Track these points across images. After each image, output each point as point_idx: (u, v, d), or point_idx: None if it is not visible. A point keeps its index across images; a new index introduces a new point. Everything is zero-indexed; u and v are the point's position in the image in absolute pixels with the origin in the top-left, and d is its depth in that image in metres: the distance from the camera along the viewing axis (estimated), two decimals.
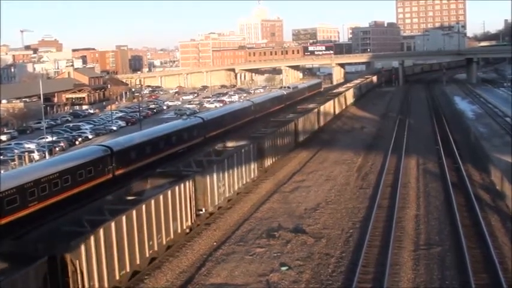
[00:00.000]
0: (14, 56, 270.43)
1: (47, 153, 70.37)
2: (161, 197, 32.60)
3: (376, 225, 37.23)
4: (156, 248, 31.81)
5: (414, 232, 36.04)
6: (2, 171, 56.65)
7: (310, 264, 31.70)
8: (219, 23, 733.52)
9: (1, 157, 68.85)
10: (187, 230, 36.54)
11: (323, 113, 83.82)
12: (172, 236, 33.90)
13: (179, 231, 34.91)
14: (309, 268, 31.11)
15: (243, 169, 46.70)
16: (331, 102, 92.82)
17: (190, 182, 36.63)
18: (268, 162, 54.84)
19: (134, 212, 29.40)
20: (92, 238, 25.96)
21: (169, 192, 33.63)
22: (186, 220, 35.91)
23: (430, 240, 34.43)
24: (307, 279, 29.62)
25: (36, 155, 71.13)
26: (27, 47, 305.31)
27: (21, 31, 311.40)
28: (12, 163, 64.74)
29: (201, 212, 38.46)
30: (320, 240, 35.54)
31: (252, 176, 49.48)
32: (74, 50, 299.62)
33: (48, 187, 43.20)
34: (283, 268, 31.15)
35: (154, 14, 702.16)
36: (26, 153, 70.64)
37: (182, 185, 35.42)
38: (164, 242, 33.00)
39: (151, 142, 58.74)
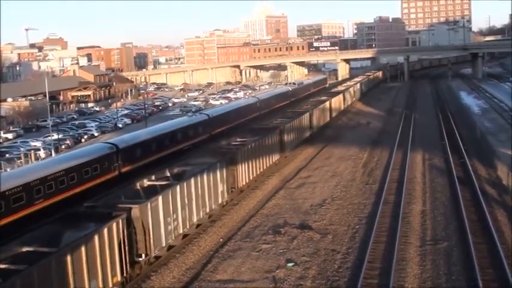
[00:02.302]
0: (19, 54, 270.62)
1: (52, 151, 70.45)
2: (68, 257, 23.79)
3: (382, 221, 37.20)
4: None
5: (420, 228, 36.00)
6: (8, 169, 56.83)
7: (316, 260, 31.70)
8: (224, 20, 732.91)
9: (7, 155, 69.03)
10: None
11: (316, 119, 75.16)
12: None
13: None
14: (315, 264, 31.11)
15: (207, 194, 37.94)
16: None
17: (121, 222, 27.69)
18: (243, 180, 46.22)
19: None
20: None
21: (82, 248, 24.72)
22: (114, 275, 26.89)
23: (436, 236, 34.39)
24: (314, 276, 29.63)
25: (42, 153, 71.26)
26: (32, 45, 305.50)
27: (26, 29, 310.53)
28: (18, 161, 64.88)
29: (140, 259, 29.75)
30: (326, 236, 35.54)
31: (221, 201, 40.84)
32: (79, 48, 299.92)
33: (54, 185, 43.25)
34: (290, 264, 31.16)
35: (159, 11, 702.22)
36: (32, 151, 70.81)
37: (106, 230, 26.50)
38: None
39: (157, 139, 58.74)
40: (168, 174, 38.60)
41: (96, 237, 25.67)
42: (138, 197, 33.35)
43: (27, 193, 40.38)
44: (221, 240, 36.26)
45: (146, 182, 36.36)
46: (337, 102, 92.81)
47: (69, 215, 29.82)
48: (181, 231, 34.03)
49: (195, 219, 36.07)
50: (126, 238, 27.94)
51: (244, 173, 46.32)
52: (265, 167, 52.07)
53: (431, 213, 38.74)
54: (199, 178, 36.96)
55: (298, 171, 54.83)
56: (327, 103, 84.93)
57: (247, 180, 47.06)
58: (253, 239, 35.92)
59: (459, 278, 28.17)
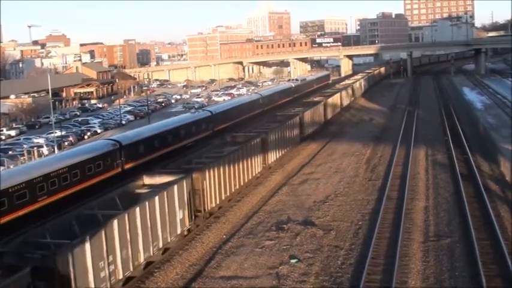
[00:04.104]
0: (22, 51, 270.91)
1: (55, 148, 70.57)
2: None
3: (385, 217, 37.19)
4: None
5: (423, 224, 35.99)
6: (11, 166, 56.91)
7: (319, 256, 31.71)
8: (227, 16, 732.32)
9: (10, 152, 69.11)
10: None
11: (308, 121, 67.62)
12: None
13: None
14: (318, 260, 31.12)
15: (160, 223, 31.14)
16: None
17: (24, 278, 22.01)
18: (213, 201, 38.79)
19: None
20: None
21: None
22: None
23: (439, 232, 34.37)
24: (317, 272, 29.64)
25: (45, 150, 71.34)
26: (35, 42, 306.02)
27: (29, 26, 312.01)
28: (21, 158, 64.96)
29: None
30: (329, 232, 35.54)
31: (180, 231, 33.85)
32: (81, 45, 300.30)
33: (57, 182, 43.32)
34: (293, 260, 31.17)
35: (162, 8, 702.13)
36: (35, 148, 70.93)
37: None
38: None
39: (159, 136, 58.78)
40: (118, 202, 31.31)
41: None
42: (68, 234, 26.52)
43: (30, 190, 40.44)
44: (224, 236, 36.28)
45: (85, 211, 29.75)
46: (333, 101, 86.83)
47: None
48: (121, 276, 27.26)
49: (142, 258, 29.01)
50: None
51: (215, 191, 38.85)
52: (243, 182, 44.94)
53: (434, 209, 38.72)
54: (147, 205, 29.89)
55: (301, 168, 54.81)
56: (320, 105, 76.72)
57: (218, 201, 39.50)
58: (256, 235, 35.93)
59: (462, 274, 28.16)
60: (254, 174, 48.04)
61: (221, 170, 39.98)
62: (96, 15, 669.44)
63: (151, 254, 30.12)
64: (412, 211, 38.39)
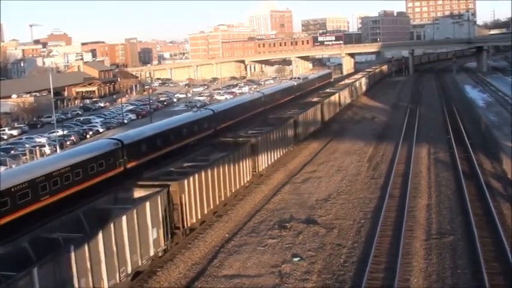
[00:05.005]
0: (23, 50, 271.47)
1: (57, 147, 70.60)
2: None
3: (387, 215, 37.20)
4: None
5: (426, 221, 36.00)
6: (13, 166, 56.96)
7: (322, 254, 31.73)
8: (228, 15, 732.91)
9: (12, 151, 69.17)
10: None
11: (303, 126, 63.50)
12: None
13: None
14: (321, 259, 31.14)
15: (128, 246, 27.45)
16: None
17: None
18: (192, 218, 35.13)
19: None
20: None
21: None
22: None
23: (441, 230, 34.39)
24: (319, 270, 29.66)
25: (47, 149, 71.43)
26: (37, 42, 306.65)
27: (30, 25, 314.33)
28: (24, 157, 65.00)
29: None
30: (332, 230, 35.56)
31: (153, 252, 30.10)
32: (83, 44, 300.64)
33: (59, 181, 43.31)
34: (295, 259, 31.20)
35: (164, 6, 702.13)
36: (37, 148, 70.98)
37: None
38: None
39: (162, 135, 58.76)
40: (84, 221, 27.92)
41: None
42: (21, 260, 23.72)
43: (32, 189, 40.45)
44: (227, 235, 36.29)
45: (43, 233, 26.20)
46: (332, 102, 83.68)
47: None
48: None
49: (106, 287, 25.59)
50: None
51: (196, 205, 35.53)
52: (229, 193, 41.67)
53: (436, 207, 38.73)
54: (113, 227, 26.39)
55: (303, 166, 54.83)
56: (317, 107, 73.10)
57: (200, 216, 36.18)
58: (259, 234, 35.96)
59: (464, 272, 28.18)
60: (243, 184, 44.54)
61: (203, 180, 36.49)
62: (97, 14, 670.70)
63: (118, 281, 26.40)
64: (415, 209, 38.40)
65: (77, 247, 23.55)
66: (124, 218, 27.13)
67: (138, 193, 32.39)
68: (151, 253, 29.77)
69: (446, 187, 43.72)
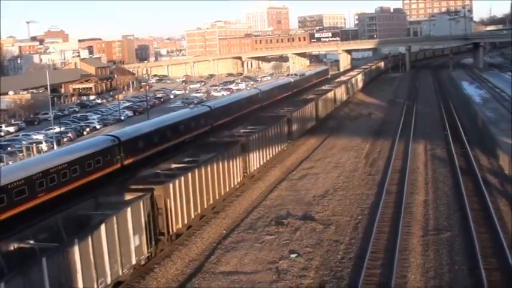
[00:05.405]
0: (20, 47, 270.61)
1: (55, 144, 70.50)
2: None
3: (384, 211, 37.22)
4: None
5: (423, 218, 36.04)
6: (10, 163, 56.86)
7: (319, 251, 31.75)
8: (225, 11, 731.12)
9: (9, 148, 69.06)
10: None
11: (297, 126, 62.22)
12: None
13: None
14: (318, 255, 31.16)
15: (108, 255, 25.85)
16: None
17: None
18: (178, 223, 33.51)
19: None
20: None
21: None
22: None
23: (439, 226, 34.43)
24: (317, 266, 29.68)
25: (44, 146, 71.23)
26: (34, 38, 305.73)
27: (27, 22, 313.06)
28: (20, 154, 64.91)
29: None
30: (329, 227, 35.58)
31: (134, 261, 28.44)
32: (80, 41, 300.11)
33: (56, 178, 43.32)
34: (293, 255, 31.21)
35: (160, 3, 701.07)
36: (34, 144, 70.80)
37: None
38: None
39: (159, 131, 58.78)
40: (62, 228, 26.23)
41: None
42: None
43: (29, 186, 40.44)
44: (224, 231, 36.31)
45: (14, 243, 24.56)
46: (327, 99, 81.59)
47: None
48: None
49: None
50: None
51: (182, 210, 33.94)
52: (218, 196, 39.98)
53: (433, 203, 38.76)
54: (90, 238, 24.71)
55: (300, 162, 54.83)
56: (311, 104, 71.40)
57: (186, 221, 34.65)
58: (256, 230, 35.96)
59: (462, 268, 28.22)
60: (233, 186, 42.96)
61: (190, 183, 34.85)
62: (94, 11, 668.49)
63: None
64: (412, 205, 38.43)
65: (50, 258, 21.83)
66: (103, 225, 25.61)
67: (120, 198, 30.72)
68: (133, 261, 28.26)
69: (443, 183, 43.76)
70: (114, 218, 26.58)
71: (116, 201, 29.97)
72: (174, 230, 32.98)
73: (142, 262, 29.58)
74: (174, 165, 38.78)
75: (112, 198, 31.04)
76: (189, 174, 35.09)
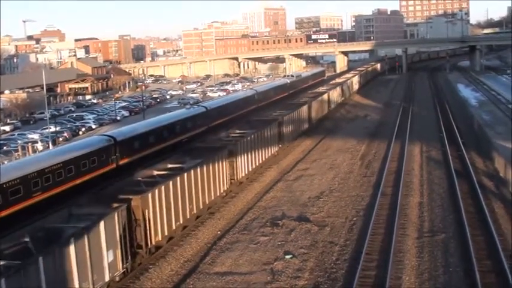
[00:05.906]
0: (16, 46, 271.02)
1: (50, 144, 70.40)
2: None
3: (379, 213, 37.23)
4: None
5: (418, 219, 36.05)
6: (5, 162, 56.76)
7: (314, 252, 31.74)
8: (222, 12, 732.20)
9: (5, 148, 68.96)
10: None
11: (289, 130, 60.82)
12: None
13: None
14: (313, 256, 31.15)
15: (77, 271, 23.96)
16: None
17: None
18: (158, 235, 31.50)
19: None
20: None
21: None
22: None
23: (433, 228, 34.45)
24: (312, 268, 29.67)
25: (39, 146, 71.13)
26: (30, 37, 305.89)
27: (24, 21, 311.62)
28: (16, 154, 64.78)
29: None
30: (324, 228, 35.57)
31: (108, 278, 26.53)
32: (76, 40, 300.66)
33: (52, 177, 43.21)
34: (288, 256, 31.19)
35: (157, 3, 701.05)
36: (30, 144, 70.72)
37: None
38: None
39: (154, 131, 58.70)
40: (31, 244, 24.35)
41: None
42: None
43: (24, 186, 40.33)
44: (219, 232, 36.27)
45: None
46: (320, 102, 79.65)
47: None
48: None
49: None
50: None
51: (162, 220, 31.92)
52: (203, 205, 37.81)
53: (428, 205, 38.79)
54: (56, 254, 23.00)
55: (296, 164, 54.82)
56: (304, 108, 69.55)
57: (167, 232, 32.64)
58: (251, 231, 35.93)
59: (456, 270, 28.23)
60: (219, 194, 40.89)
61: (171, 192, 32.83)
62: (91, 11, 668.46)
63: None
64: (407, 207, 38.45)
65: (9, 278, 19.82)
66: (72, 240, 23.70)
67: (95, 209, 28.30)
68: (107, 278, 26.22)
69: (439, 185, 43.79)
70: (85, 233, 24.80)
71: (89, 213, 27.62)
72: (153, 243, 31.04)
73: (117, 278, 27.75)
74: (156, 173, 36.86)
75: (85, 209, 28.70)
76: (170, 183, 33.02)
